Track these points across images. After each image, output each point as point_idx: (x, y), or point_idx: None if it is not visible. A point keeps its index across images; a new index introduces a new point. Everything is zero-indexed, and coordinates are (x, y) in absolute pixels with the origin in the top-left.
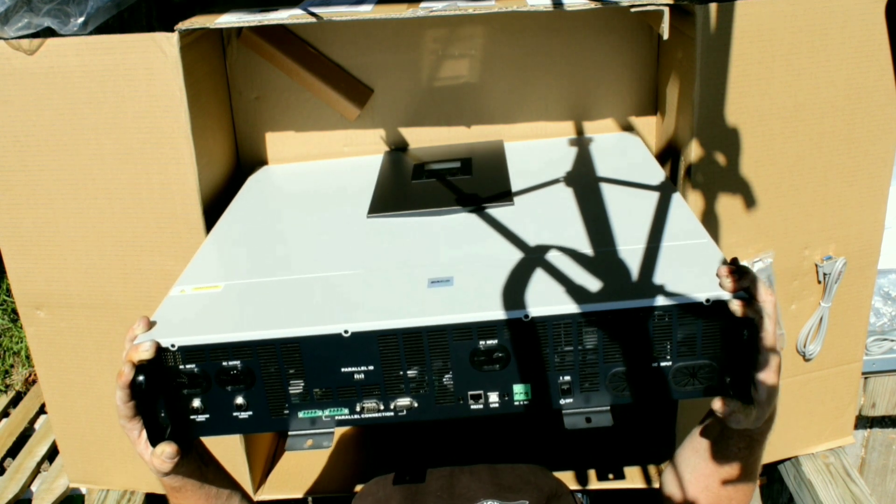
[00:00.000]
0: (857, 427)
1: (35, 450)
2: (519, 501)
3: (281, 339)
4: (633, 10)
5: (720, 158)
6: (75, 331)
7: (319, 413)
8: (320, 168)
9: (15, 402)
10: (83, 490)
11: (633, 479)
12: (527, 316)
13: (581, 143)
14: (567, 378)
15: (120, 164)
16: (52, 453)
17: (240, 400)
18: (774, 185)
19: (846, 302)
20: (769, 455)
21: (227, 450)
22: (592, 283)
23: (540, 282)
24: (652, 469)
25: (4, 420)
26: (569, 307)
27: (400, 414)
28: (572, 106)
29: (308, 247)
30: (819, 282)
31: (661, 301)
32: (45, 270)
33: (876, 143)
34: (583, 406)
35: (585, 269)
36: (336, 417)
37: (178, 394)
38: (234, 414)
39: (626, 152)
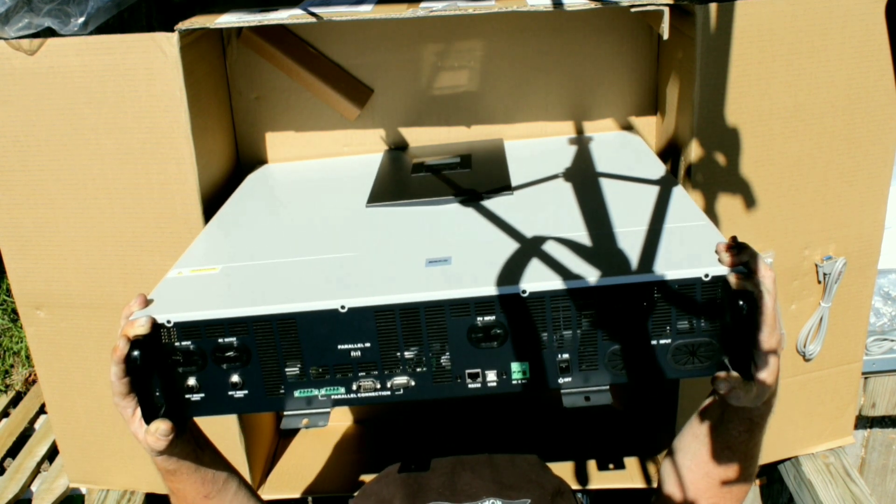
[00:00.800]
0: (857, 427)
1: (35, 450)
2: (521, 500)
3: (277, 315)
4: (633, 10)
5: (720, 158)
6: (75, 331)
7: (316, 392)
8: (320, 166)
9: (15, 402)
10: (83, 490)
11: (633, 477)
12: (524, 291)
13: (581, 141)
14: (565, 356)
15: (120, 164)
16: (52, 453)
17: (235, 378)
18: (774, 185)
19: (846, 302)
20: (769, 455)
21: (227, 449)
22: (591, 261)
23: (538, 260)
24: (651, 468)
25: (4, 420)
26: (567, 283)
27: (397, 393)
28: (572, 106)
29: (307, 233)
30: (819, 282)
31: (659, 277)
32: (45, 270)
33: (876, 143)
34: (581, 385)
35: (585, 250)
36: (332, 397)
37: (174, 372)
38: (230, 393)
39: (627, 149)
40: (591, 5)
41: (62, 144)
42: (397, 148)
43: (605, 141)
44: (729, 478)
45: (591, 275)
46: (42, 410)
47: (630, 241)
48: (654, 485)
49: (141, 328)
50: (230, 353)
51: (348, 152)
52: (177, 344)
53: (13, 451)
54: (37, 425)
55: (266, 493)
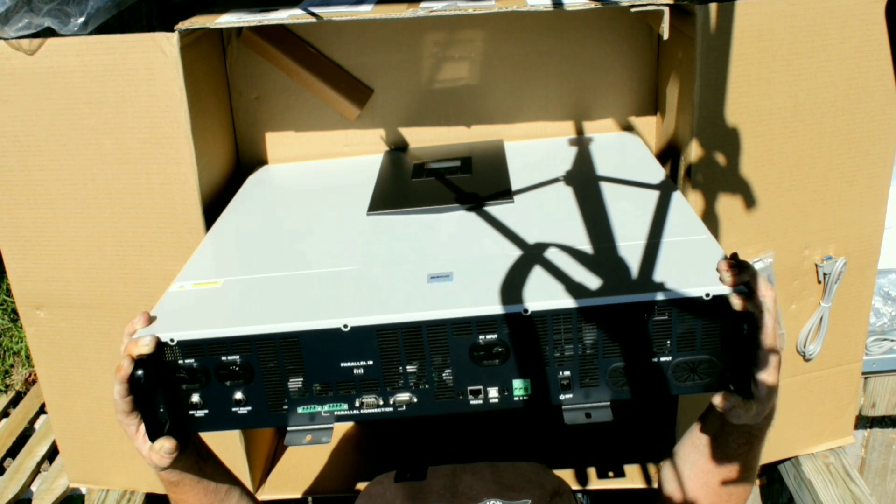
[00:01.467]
0: (857, 427)
1: (35, 450)
2: (521, 501)
3: (280, 334)
4: (633, 10)
5: (720, 158)
6: (75, 331)
7: (318, 408)
8: (320, 167)
9: (15, 402)
10: (83, 490)
11: (633, 478)
12: (526, 310)
13: (581, 142)
14: (566, 373)
15: (120, 164)
16: (52, 453)
17: (239, 395)
18: (774, 185)
19: (846, 302)
20: (769, 455)
21: (227, 450)
22: (592, 278)
23: (539, 277)
24: (652, 468)
25: (4, 420)
26: (568, 302)
27: (399, 409)
28: (572, 106)
29: (308, 244)
30: (819, 282)
31: (660, 296)
32: (45, 270)
33: (876, 143)
34: (582, 401)
35: (585, 265)
36: (335, 413)
37: (177, 389)
38: (233, 409)
39: (626, 152)
40: (591, 5)
41: (62, 144)
42: (397, 148)
43: (605, 143)
44: (728, 487)
45: (593, 293)
46: (42, 410)
47: (631, 256)
48: (654, 485)
49: (145, 347)
50: (233, 371)
51: (348, 152)
52: (180, 362)
53: (13, 451)
54: (37, 425)
55: (266, 494)
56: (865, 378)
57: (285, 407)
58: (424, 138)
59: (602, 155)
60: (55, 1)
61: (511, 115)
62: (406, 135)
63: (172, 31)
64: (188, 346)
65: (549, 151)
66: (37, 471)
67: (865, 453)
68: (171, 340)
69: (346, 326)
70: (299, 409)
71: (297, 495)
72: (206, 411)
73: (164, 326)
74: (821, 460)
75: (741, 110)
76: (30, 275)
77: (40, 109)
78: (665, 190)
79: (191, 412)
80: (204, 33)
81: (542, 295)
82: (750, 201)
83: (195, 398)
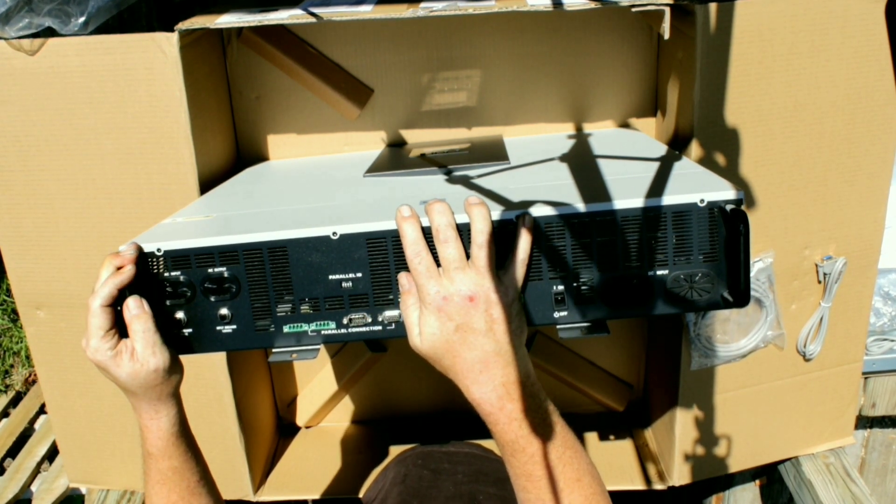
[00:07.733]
0: (857, 427)
1: (35, 450)
2: None
3: (268, 243)
4: (633, 10)
5: (720, 158)
6: (75, 331)
7: (305, 327)
8: (321, 160)
9: (15, 402)
10: (83, 490)
11: (632, 479)
12: (517, 217)
13: (581, 136)
14: (560, 288)
15: (120, 164)
16: (52, 453)
17: (224, 311)
18: (774, 185)
19: (846, 302)
20: (769, 455)
21: (227, 449)
22: (587, 191)
23: (533, 195)
24: (652, 469)
25: (4, 420)
26: (560, 209)
27: (388, 328)
28: (572, 106)
29: (302, 194)
30: (819, 282)
31: (653, 202)
32: (45, 270)
33: (876, 143)
34: (577, 317)
35: (582, 185)
36: (322, 332)
37: (162, 306)
38: (218, 328)
39: (629, 137)
40: (591, 5)
41: (62, 144)
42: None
43: (606, 133)
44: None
45: (585, 202)
46: (42, 410)
47: (629, 182)
48: (655, 485)
49: (130, 254)
50: (220, 284)
51: (349, 152)
52: (166, 274)
53: (13, 451)
54: (37, 425)
55: (266, 494)
56: (865, 378)
57: (271, 327)
58: (424, 138)
59: (603, 140)
60: (56, 1)
61: (511, 115)
62: (406, 135)
63: (172, 31)
64: (174, 257)
65: (549, 142)
66: (37, 471)
67: (865, 453)
68: (158, 250)
69: (334, 234)
70: (285, 329)
71: (297, 496)
72: (190, 330)
73: (150, 237)
74: (821, 460)
75: (741, 110)
76: (30, 275)
77: (40, 109)
78: (668, 157)
79: (175, 331)
80: (204, 33)
81: (534, 204)
82: (750, 201)
83: (179, 314)
